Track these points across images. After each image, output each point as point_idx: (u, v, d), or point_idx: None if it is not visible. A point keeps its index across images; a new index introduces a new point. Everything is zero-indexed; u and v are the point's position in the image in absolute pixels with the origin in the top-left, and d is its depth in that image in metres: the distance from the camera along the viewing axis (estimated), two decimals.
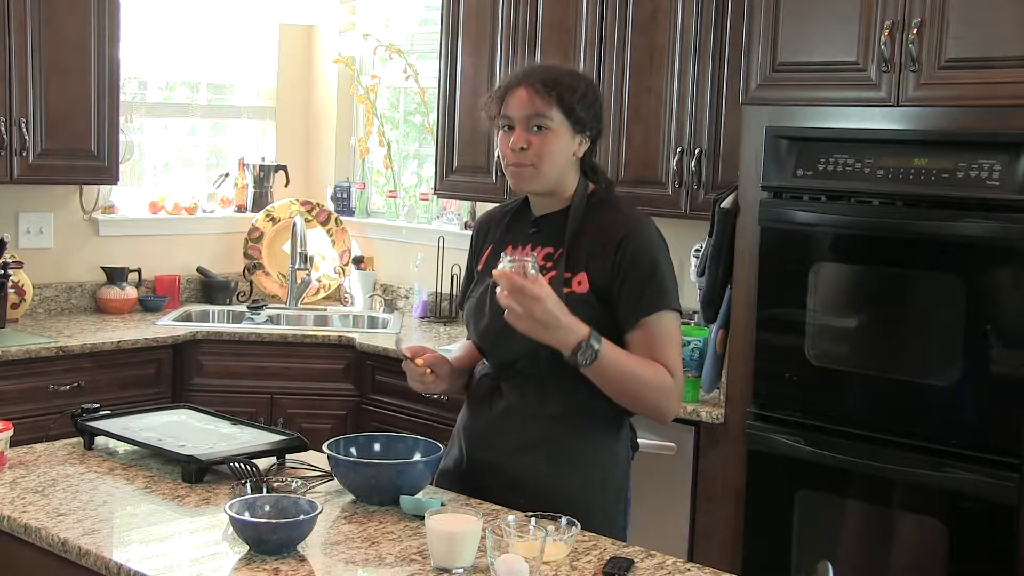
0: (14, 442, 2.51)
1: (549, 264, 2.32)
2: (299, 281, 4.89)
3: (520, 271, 2.11)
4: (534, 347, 2.22)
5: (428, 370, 2.37)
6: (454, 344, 3.39)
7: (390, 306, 4.91)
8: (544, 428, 2.30)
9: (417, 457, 2.34)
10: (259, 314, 4.71)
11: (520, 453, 2.31)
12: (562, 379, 2.27)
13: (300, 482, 2.32)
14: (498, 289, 2.14)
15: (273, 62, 5.35)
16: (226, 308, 4.84)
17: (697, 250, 3.64)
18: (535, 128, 2.29)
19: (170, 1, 4.96)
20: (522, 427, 2.32)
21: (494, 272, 2.14)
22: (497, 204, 2.63)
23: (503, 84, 2.35)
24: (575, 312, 2.19)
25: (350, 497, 2.30)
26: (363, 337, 4.33)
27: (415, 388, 2.42)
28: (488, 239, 2.49)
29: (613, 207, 2.37)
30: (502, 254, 2.17)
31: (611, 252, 2.27)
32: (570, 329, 2.16)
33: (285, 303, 4.92)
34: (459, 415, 2.51)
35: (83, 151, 4.28)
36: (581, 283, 2.28)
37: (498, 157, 2.44)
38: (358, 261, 5.01)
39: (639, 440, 3.65)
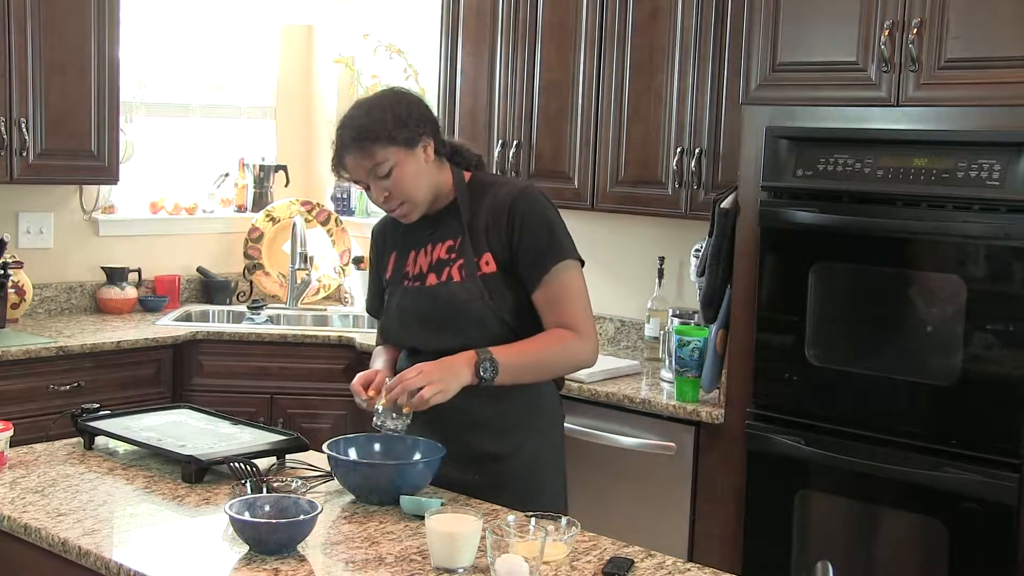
0: (14, 442, 2.51)
1: (453, 255, 2.43)
2: (299, 281, 4.89)
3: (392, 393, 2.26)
4: (463, 339, 2.37)
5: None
6: None
7: None
8: (485, 407, 2.37)
9: (417, 457, 2.34)
10: (259, 314, 4.71)
11: (467, 432, 2.38)
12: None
13: (300, 482, 2.32)
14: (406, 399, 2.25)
15: (273, 62, 5.35)
16: (226, 308, 4.84)
17: (697, 250, 3.64)
18: (382, 176, 2.37)
19: (170, 1, 4.96)
20: (466, 408, 2.37)
21: (382, 414, 2.29)
22: None
23: (333, 157, 2.45)
24: (491, 289, 2.37)
25: (350, 497, 2.30)
26: (363, 337, 4.32)
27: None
28: (389, 247, 2.59)
29: (495, 185, 2.48)
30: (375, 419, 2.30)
31: (503, 221, 2.40)
32: (460, 361, 2.28)
33: (285, 303, 4.92)
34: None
35: (83, 151, 4.27)
36: (488, 263, 2.40)
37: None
38: (358, 261, 5.01)
39: (638, 440, 3.66)
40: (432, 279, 2.45)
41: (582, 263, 2.45)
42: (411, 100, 2.45)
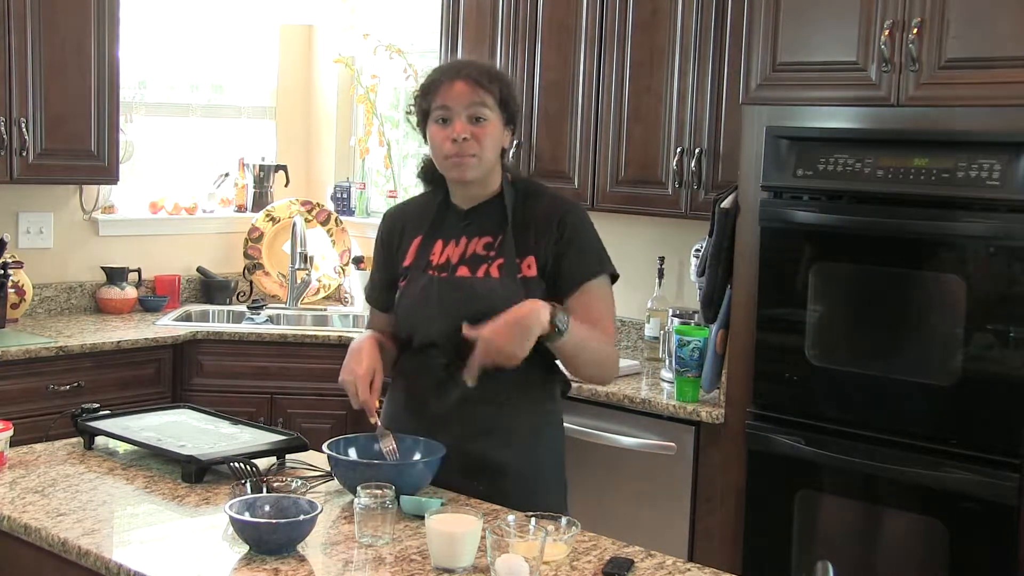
0: (14, 442, 2.51)
1: (492, 253, 2.41)
2: (299, 281, 4.89)
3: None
4: None
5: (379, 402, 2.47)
6: None
7: None
8: (496, 414, 2.38)
9: (417, 457, 2.34)
10: (259, 314, 4.71)
11: (477, 438, 2.38)
12: (510, 369, 2.34)
13: (300, 482, 2.32)
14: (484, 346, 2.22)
15: (273, 62, 5.35)
16: (226, 308, 4.84)
17: (697, 250, 3.64)
18: (474, 119, 2.38)
19: (170, 1, 4.96)
20: (480, 414, 2.39)
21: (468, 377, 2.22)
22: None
23: (434, 78, 2.43)
24: (531, 293, 2.35)
25: (350, 497, 2.29)
26: None
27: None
28: (409, 232, 2.53)
29: (543, 193, 2.52)
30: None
31: (553, 230, 2.42)
32: (537, 308, 2.25)
33: (285, 303, 4.92)
34: (390, 396, 2.57)
35: (83, 151, 4.27)
36: (530, 267, 2.41)
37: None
38: (358, 261, 5.01)
39: (638, 440, 3.65)
40: (464, 271, 2.42)
41: (616, 278, 2.49)
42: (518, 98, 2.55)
